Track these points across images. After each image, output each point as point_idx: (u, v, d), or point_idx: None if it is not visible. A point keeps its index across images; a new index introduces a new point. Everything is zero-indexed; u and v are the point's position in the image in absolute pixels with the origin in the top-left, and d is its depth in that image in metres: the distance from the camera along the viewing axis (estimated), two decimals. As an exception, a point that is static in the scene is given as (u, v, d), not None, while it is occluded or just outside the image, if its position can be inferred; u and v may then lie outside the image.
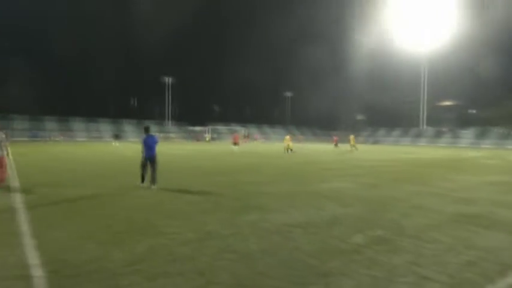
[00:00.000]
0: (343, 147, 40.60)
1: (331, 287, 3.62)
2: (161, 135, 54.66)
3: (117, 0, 74.97)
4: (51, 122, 63.07)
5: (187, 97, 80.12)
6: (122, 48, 76.45)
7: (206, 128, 71.51)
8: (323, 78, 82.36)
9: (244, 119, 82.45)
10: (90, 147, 33.03)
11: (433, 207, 7.16)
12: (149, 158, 9.04)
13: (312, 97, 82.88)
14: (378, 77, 77.10)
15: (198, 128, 74.82)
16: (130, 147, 33.26)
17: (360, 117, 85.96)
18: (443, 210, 6.92)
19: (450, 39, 66.73)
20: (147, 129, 9.21)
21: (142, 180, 9.08)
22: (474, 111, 73.55)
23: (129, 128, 68.60)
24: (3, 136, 8.89)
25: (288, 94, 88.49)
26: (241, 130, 68.61)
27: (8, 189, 8.62)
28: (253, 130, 79.21)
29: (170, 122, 75.93)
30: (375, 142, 70.05)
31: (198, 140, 32.44)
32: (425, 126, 74.16)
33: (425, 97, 73.72)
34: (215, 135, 70.54)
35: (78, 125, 65.62)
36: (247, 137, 63.11)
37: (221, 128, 76.54)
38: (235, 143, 30.34)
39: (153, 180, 8.88)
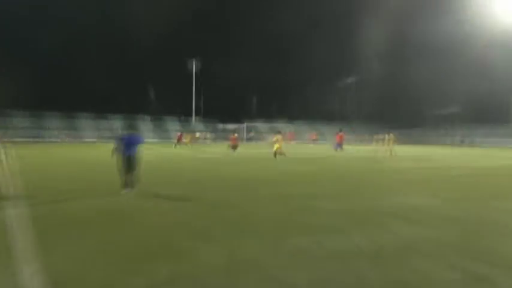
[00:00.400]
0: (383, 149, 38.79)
1: None
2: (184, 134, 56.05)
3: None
4: (53, 119, 66.36)
5: (217, 88, 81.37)
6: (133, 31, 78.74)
7: (241, 126, 72.03)
8: (402, 63, 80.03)
9: (290, 114, 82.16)
10: (100, 149, 34.27)
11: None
12: (128, 158, 9.68)
13: (386, 86, 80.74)
14: (476, 61, 73.83)
15: (231, 126, 75.72)
16: (151, 149, 34.11)
17: (451, 111, 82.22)
18: None
19: None
20: (131, 127, 10.01)
21: (126, 186, 9.79)
22: None
23: (144, 126, 70.72)
24: None
25: (350, 80, 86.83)
26: (283, 128, 68.54)
27: (4, 199, 9.11)
28: (303, 128, 78.84)
29: (195, 118, 77.57)
30: (471, 144, 67.16)
31: (231, 141, 33.18)
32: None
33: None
34: (252, 134, 71.03)
35: (85, 122, 68.43)
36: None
37: (260, 125, 76.93)
38: (234, 146, 30.77)
39: (131, 184, 9.69)
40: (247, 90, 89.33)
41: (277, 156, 24.83)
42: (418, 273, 5.00)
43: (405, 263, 5.35)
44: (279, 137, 25.31)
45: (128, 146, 9.80)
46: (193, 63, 75.52)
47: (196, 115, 78.62)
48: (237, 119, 77.21)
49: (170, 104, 78.51)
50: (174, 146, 39.67)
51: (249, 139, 69.54)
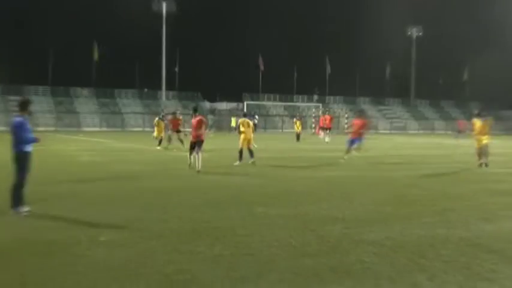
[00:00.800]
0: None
1: None
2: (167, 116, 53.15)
3: None
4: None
5: (201, 47, 79.06)
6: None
7: (239, 107, 68.44)
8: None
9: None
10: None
11: None
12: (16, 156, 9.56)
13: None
14: None
15: (223, 106, 73.00)
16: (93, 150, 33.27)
17: None
18: None
19: None
20: (23, 106, 9.62)
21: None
22: None
23: (81, 103, 68.38)
24: None
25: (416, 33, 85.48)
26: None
27: None
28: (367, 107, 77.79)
29: (165, 92, 75.11)
30: None
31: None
32: None
33: None
34: (256, 118, 65.36)
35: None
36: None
37: (269, 104, 74.72)
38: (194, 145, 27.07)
39: (17, 200, 9.41)
40: (250, 50, 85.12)
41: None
42: None
43: None
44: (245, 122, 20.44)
45: (17, 136, 9.53)
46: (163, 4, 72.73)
47: (168, 88, 76.11)
48: (233, 95, 74.91)
49: (125, 68, 76.09)
50: (157, 140, 28.98)
51: (253, 129, 66.39)
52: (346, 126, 21.16)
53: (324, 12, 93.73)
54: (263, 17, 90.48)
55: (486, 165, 19.67)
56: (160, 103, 70.85)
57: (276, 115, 74.39)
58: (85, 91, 71.06)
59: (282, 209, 10.81)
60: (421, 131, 74.72)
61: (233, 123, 56.69)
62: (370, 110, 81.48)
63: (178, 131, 26.93)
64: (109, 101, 70.77)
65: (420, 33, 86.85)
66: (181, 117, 29.12)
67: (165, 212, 9.93)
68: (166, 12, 71.23)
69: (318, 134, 48.71)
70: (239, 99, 71.65)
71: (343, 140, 24.55)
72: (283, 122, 70.53)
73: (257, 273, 6.22)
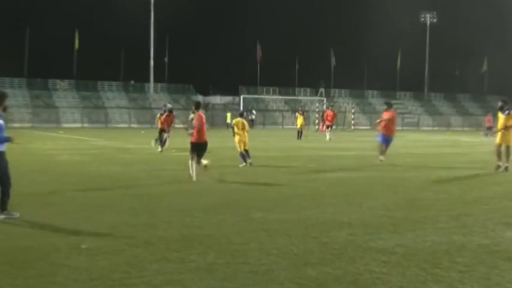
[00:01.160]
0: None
1: None
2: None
3: None
4: None
5: (192, 34, 79.04)
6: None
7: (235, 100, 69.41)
8: None
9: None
10: None
11: None
12: None
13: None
14: None
15: (218, 99, 72.90)
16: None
17: None
18: None
19: None
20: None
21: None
22: None
23: (59, 98, 68.15)
24: None
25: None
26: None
27: None
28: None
29: (154, 85, 75.30)
30: None
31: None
32: None
33: None
34: (253, 115, 67.00)
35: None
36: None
37: (268, 98, 74.80)
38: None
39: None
40: (247, 39, 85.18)
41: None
42: None
43: None
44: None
45: None
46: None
47: (156, 80, 76.25)
48: (229, 88, 75.15)
49: (108, 58, 75.78)
50: (153, 142, 28.36)
51: (250, 125, 66.16)
52: (377, 121, 20.34)
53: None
54: (262, 3, 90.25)
55: (506, 169, 18.52)
56: (148, 96, 70.88)
57: (275, 110, 74.80)
58: (65, 83, 70.97)
59: (282, 213, 10.79)
60: (435, 128, 74.96)
61: (228, 119, 56.98)
62: (379, 104, 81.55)
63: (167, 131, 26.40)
64: (91, 94, 71.03)
65: (434, 20, 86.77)
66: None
67: (153, 216, 9.94)
68: (155, -5, 70.67)
69: (322, 131, 48.75)
70: (235, 93, 72.01)
71: (347, 138, 24.59)
72: (283, 117, 70.94)
73: (255, 284, 6.24)
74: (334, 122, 42.89)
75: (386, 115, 21.32)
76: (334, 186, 15.11)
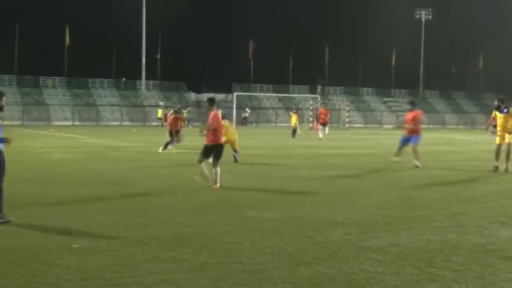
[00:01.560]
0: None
1: None
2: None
3: None
4: None
5: (184, 28, 78.74)
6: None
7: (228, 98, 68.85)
8: None
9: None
10: None
11: None
12: None
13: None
14: None
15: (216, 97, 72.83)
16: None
17: None
18: None
19: None
20: None
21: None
22: None
23: (50, 96, 67.97)
24: None
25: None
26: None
27: None
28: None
29: (145, 82, 74.82)
30: None
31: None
32: None
33: None
34: (247, 113, 67.86)
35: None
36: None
37: (261, 96, 74.74)
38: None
39: None
40: (241, 36, 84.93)
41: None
42: None
43: None
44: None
45: None
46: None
47: (148, 77, 75.91)
48: (222, 85, 74.75)
49: (100, 55, 75.51)
50: (162, 148, 25.10)
51: (244, 123, 65.88)
52: (400, 120, 20.07)
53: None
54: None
55: (506, 170, 18.00)
56: (140, 94, 70.71)
57: (269, 108, 74.63)
58: (52, 81, 70.60)
59: (275, 212, 10.78)
60: (430, 125, 74.95)
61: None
62: (374, 102, 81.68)
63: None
64: (82, 91, 70.69)
65: (429, 17, 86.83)
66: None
67: (145, 216, 9.92)
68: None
69: (316, 129, 48.80)
70: (228, 90, 71.90)
71: (341, 136, 24.63)
72: (277, 115, 70.74)
73: (248, 283, 6.25)
74: (328, 119, 42.84)
75: (410, 115, 20.74)
76: (329, 184, 15.10)
